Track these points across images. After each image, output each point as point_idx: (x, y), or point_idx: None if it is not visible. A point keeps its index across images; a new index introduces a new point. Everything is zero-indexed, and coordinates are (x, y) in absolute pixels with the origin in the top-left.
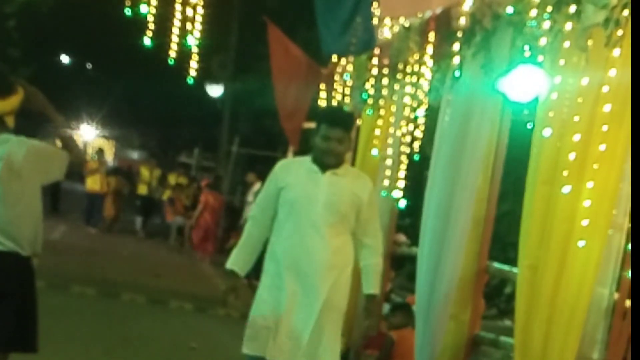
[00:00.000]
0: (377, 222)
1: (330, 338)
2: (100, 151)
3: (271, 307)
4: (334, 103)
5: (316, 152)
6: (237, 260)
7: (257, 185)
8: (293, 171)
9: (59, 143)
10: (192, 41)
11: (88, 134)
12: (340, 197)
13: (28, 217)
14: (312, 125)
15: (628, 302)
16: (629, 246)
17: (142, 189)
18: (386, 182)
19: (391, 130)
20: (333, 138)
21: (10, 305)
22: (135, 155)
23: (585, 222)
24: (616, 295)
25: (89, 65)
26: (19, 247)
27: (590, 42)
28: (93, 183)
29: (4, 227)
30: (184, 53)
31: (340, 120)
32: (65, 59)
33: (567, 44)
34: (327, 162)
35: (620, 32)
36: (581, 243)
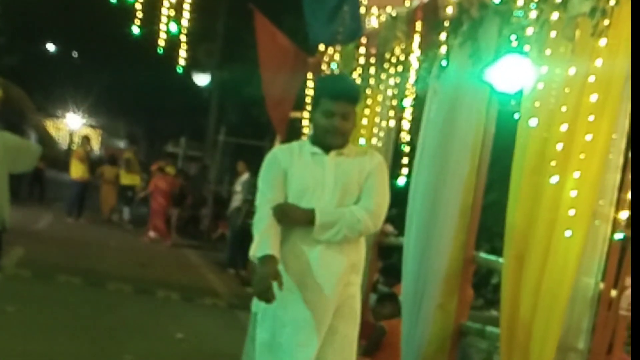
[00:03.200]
0: (378, 191)
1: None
2: (85, 139)
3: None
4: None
5: (317, 131)
6: (274, 244)
7: (245, 175)
8: (295, 156)
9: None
10: (177, 29)
11: (74, 123)
12: (350, 177)
13: None
14: (299, 114)
15: (613, 292)
16: (615, 236)
17: (135, 180)
18: None
19: (377, 119)
20: (337, 113)
21: None
22: (121, 144)
23: (571, 212)
24: (601, 285)
25: (75, 54)
26: None
27: (576, 32)
28: (81, 172)
29: None
30: (171, 42)
31: (345, 92)
32: (51, 47)
33: (553, 33)
34: (330, 142)
35: (606, 22)
36: (567, 233)
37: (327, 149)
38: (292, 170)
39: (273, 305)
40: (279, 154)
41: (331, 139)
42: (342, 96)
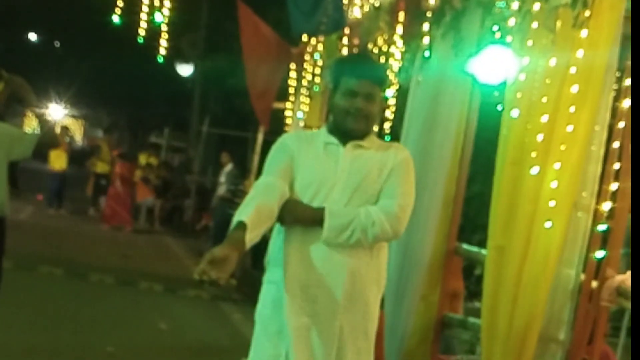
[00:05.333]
0: (401, 190)
1: None
2: (64, 129)
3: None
4: (305, 82)
5: (337, 116)
6: (245, 214)
7: (229, 166)
8: (304, 145)
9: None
10: (162, 19)
11: (56, 113)
12: (366, 174)
13: None
14: (282, 104)
15: (594, 283)
16: (598, 227)
17: (104, 168)
18: None
19: None
20: (360, 93)
21: None
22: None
23: (552, 203)
24: (582, 277)
25: (57, 44)
26: None
27: (558, 23)
28: (63, 162)
29: None
30: (154, 31)
31: (370, 69)
32: (33, 36)
33: (535, 24)
34: (351, 127)
35: (587, 13)
36: (548, 224)
37: (345, 137)
38: (300, 160)
39: (273, 329)
40: (288, 140)
41: (352, 122)
42: (366, 74)
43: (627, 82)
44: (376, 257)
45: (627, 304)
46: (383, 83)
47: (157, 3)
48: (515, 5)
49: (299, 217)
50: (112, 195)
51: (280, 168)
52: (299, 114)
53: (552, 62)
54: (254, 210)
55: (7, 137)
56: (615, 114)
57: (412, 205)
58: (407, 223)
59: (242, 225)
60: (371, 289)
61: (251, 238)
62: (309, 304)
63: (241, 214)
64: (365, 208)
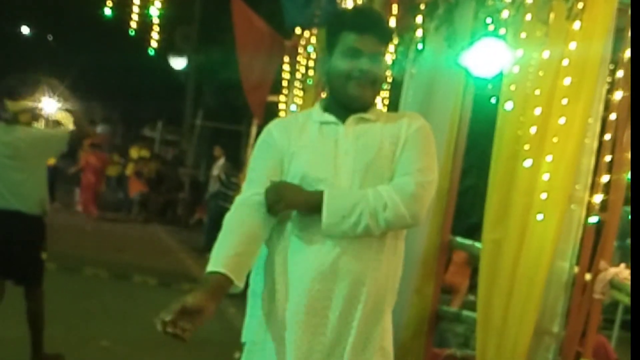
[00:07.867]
0: (418, 165)
1: None
2: (56, 123)
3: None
4: (298, 75)
5: (335, 83)
6: (225, 255)
7: (222, 160)
8: (295, 134)
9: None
10: (154, 12)
11: (49, 107)
12: (377, 150)
13: (33, 183)
14: (276, 97)
15: (587, 276)
16: (590, 220)
17: None
18: None
19: None
20: (365, 52)
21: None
22: (98, 128)
23: (544, 196)
24: (576, 269)
25: (50, 37)
26: (24, 206)
27: (551, 15)
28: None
29: (13, 189)
30: (147, 24)
31: (375, 23)
32: (25, 30)
33: (528, 16)
34: (354, 93)
35: (580, 5)
36: (540, 216)
37: (346, 111)
38: (293, 150)
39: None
40: (274, 130)
41: (355, 88)
42: (371, 28)
43: (620, 74)
44: (393, 253)
45: (620, 297)
46: (389, 42)
47: None
48: None
49: (293, 202)
50: (85, 185)
51: (264, 174)
52: (293, 107)
53: (546, 54)
54: (235, 243)
55: (42, 141)
56: (607, 106)
57: (435, 183)
58: (428, 204)
59: (221, 268)
60: (387, 296)
61: (238, 277)
62: (317, 327)
63: (216, 258)
64: (374, 188)
